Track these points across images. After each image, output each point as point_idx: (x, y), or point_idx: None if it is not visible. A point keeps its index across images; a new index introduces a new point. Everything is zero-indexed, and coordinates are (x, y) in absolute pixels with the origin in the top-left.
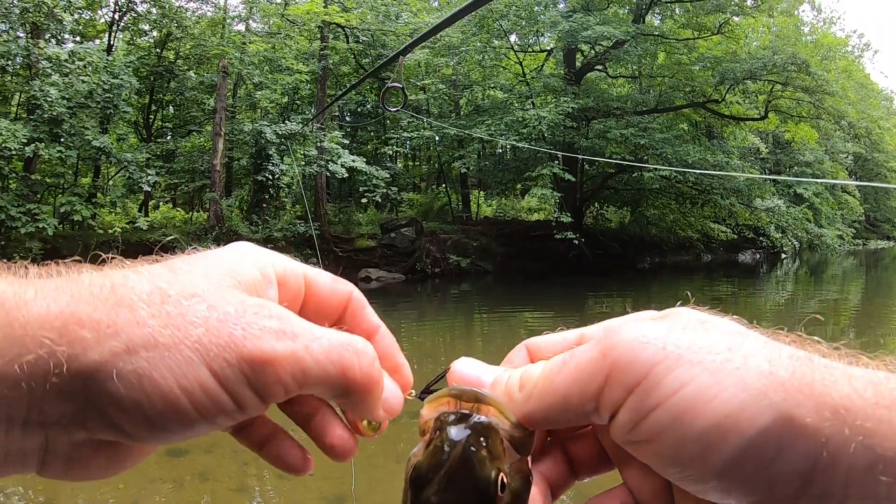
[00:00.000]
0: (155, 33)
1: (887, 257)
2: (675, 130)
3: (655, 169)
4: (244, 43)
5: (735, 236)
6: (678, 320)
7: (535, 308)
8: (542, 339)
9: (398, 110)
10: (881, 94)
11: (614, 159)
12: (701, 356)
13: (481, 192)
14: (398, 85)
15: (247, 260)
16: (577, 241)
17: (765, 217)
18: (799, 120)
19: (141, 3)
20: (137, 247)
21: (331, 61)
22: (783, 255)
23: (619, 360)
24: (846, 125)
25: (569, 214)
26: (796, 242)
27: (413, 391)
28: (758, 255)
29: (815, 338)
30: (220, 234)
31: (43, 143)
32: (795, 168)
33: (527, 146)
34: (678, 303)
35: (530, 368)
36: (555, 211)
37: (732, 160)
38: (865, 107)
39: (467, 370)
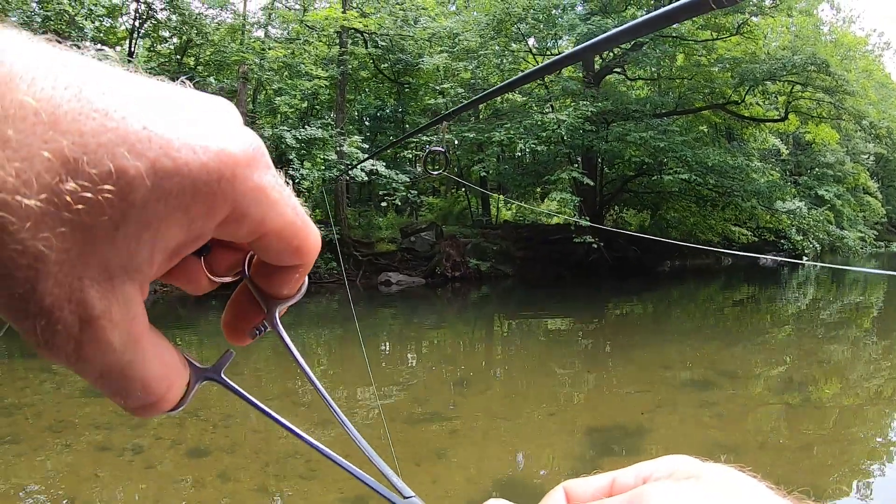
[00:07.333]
0: (175, 40)
1: None
2: (694, 133)
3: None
4: (263, 49)
5: (756, 239)
6: (705, 487)
7: (555, 312)
8: (578, 481)
9: (440, 173)
10: None
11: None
12: None
13: (500, 196)
14: (440, 149)
15: None
16: (595, 245)
17: (786, 219)
18: (819, 120)
19: (161, 10)
20: None
21: (350, 66)
22: (804, 258)
23: None
24: (867, 125)
25: (587, 218)
26: (817, 245)
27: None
28: (779, 259)
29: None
30: None
31: None
32: (816, 169)
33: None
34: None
35: None
36: (574, 215)
37: (753, 162)
38: (887, 106)
39: None
